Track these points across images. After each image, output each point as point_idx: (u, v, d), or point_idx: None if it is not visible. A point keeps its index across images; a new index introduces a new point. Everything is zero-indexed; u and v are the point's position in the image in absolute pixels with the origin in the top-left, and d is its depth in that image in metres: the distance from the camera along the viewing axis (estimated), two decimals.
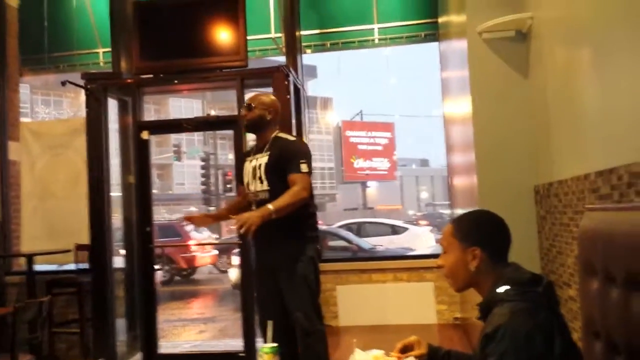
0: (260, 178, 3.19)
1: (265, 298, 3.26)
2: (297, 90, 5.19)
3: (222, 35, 4.98)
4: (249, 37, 5.01)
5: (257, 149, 3.31)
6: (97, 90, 4.90)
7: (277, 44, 5.97)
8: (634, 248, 1.42)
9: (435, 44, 5.93)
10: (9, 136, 5.89)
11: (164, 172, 34.61)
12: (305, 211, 3.18)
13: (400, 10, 5.95)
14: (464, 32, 3.92)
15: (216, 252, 14.80)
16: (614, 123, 2.24)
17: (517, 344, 1.37)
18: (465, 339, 4.68)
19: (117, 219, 5.41)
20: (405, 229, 15.09)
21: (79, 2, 6.23)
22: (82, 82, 4.93)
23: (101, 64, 6.33)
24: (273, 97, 3.45)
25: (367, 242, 12.02)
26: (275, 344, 1.91)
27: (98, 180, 4.85)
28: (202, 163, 22.04)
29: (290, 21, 5.66)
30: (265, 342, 1.99)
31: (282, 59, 5.68)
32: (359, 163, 25.92)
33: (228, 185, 20.50)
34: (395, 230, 14.86)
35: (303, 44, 5.90)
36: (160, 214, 30.22)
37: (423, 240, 14.47)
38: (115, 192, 5.24)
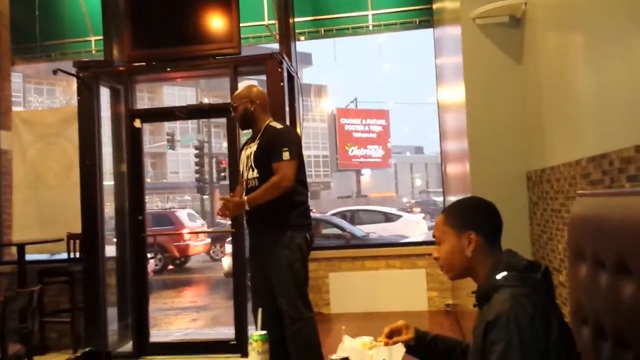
0: (251, 166, 3.28)
1: (258, 285, 3.31)
2: (290, 78, 5.16)
3: (215, 22, 4.94)
4: (242, 24, 4.96)
5: (251, 138, 3.42)
6: (89, 78, 4.86)
7: (270, 31, 5.92)
8: (624, 233, 1.41)
9: (430, 30, 5.90)
10: (0, 125, 5.84)
11: (158, 160, 34.51)
12: (290, 199, 3.19)
13: None
14: (458, 18, 3.90)
15: (209, 240, 14.80)
16: (606, 109, 2.23)
17: (521, 329, 1.37)
18: (456, 325, 4.70)
19: (109, 207, 5.39)
20: (399, 217, 15.13)
21: None
22: (74, 71, 4.88)
23: (93, 52, 6.27)
24: (253, 87, 3.50)
25: (360, 230, 12.04)
26: (264, 332, 1.90)
27: (90, 169, 4.82)
28: (196, 151, 21.94)
29: (284, 8, 5.62)
30: (256, 329, 1.98)
31: (275, 46, 5.64)
32: (353, 151, 25.91)
33: (222, 174, 20.45)
34: (388, 217, 14.89)
35: (297, 31, 5.86)
36: (154, 203, 30.18)
37: (416, 227, 14.51)
38: (108, 181, 5.21)
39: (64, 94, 26.10)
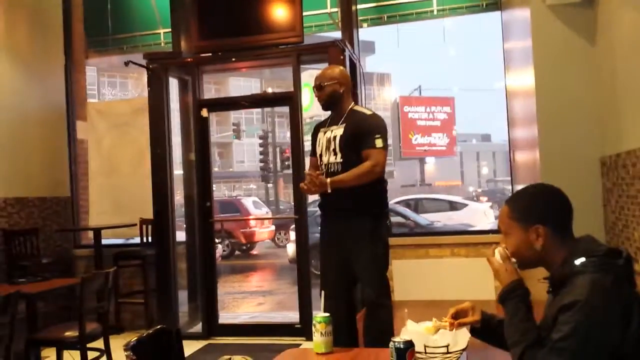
0: (334, 150, 3.14)
1: (328, 269, 3.21)
2: (353, 66, 5.14)
3: (279, 11, 4.99)
4: (305, 13, 4.99)
5: (332, 121, 3.25)
6: (158, 69, 5.03)
7: (333, 19, 5.91)
8: None
9: (497, 13, 5.71)
10: (76, 116, 6.14)
11: (225, 150, 35.30)
12: (380, 186, 3.15)
13: None
14: (527, 1, 3.77)
15: (274, 227, 15.05)
16: None
17: (593, 318, 1.33)
18: None
19: (179, 195, 5.58)
20: (465, 205, 14.81)
21: None
22: (144, 62, 5.06)
23: (162, 44, 6.45)
24: (340, 68, 3.38)
25: (424, 219, 11.90)
26: (327, 314, 1.93)
27: (161, 158, 5.00)
28: (261, 141, 22.29)
29: None
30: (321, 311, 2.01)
31: (338, 34, 5.63)
32: (417, 139, 25.56)
33: (286, 163, 20.68)
34: (453, 206, 14.61)
35: (359, 18, 5.81)
36: (221, 191, 30.95)
37: (483, 217, 14.17)
38: (178, 170, 5.39)
39: (136, 86, 27.08)
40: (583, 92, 3.50)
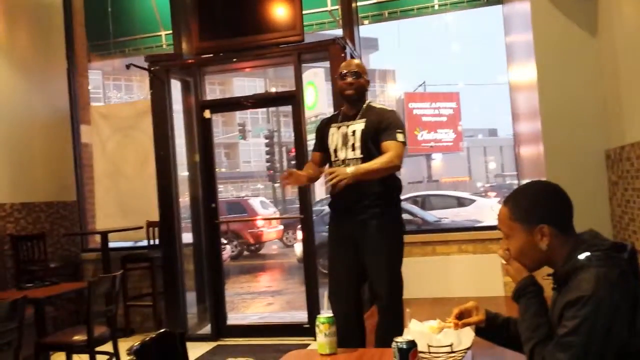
0: (352, 145, 3.05)
1: (339, 269, 3.13)
2: None
3: (279, 11, 4.99)
4: (305, 11, 4.98)
5: (346, 116, 3.16)
6: (160, 72, 5.04)
7: (333, 17, 5.90)
8: None
9: (499, 7, 5.68)
10: (80, 120, 6.17)
11: (231, 150, 35.36)
12: (398, 183, 3.12)
13: None
14: None
15: (282, 227, 15.06)
16: None
17: (599, 312, 1.31)
18: None
19: (185, 196, 5.58)
20: (472, 201, 14.75)
21: None
22: (146, 65, 5.07)
23: (164, 46, 6.46)
24: None
25: (432, 215, 11.87)
26: (331, 314, 1.92)
27: (165, 160, 5.01)
28: (266, 141, 22.31)
29: None
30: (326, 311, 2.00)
31: (339, 32, 5.61)
32: (422, 135, 25.48)
33: (292, 162, 20.69)
34: (461, 202, 14.55)
35: (360, 14, 5.80)
36: (229, 192, 31.01)
37: (491, 212, 14.11)
38: (183, 171, 5.40)
39: (141, 89, 27.17)
40: (585, 84, 3.48)
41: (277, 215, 17.71)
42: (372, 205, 2.88)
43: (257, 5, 5.00)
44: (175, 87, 5.28)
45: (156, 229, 5.42)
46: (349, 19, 5.53)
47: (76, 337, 3.55)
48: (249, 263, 13.10)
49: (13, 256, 5.10)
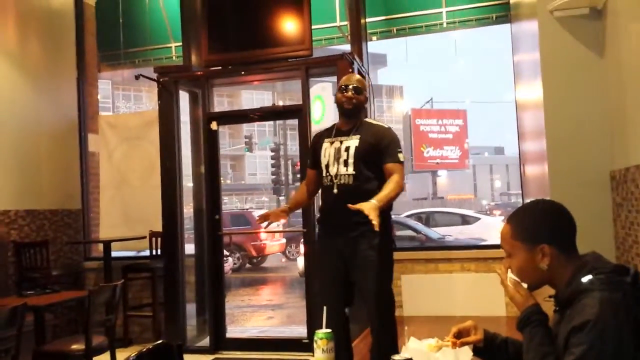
0: (345, 161, 3.02)
1: (329, 284, 3.12)
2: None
3: (288, 25, 5.02)
4: (314, 26, 5.01)
5: (340, 132, 3.13)
6: (168, 83, 5.07)
7: (342, 32, 5.94)
8: None
9: (507, 26, 5.70)
10: (88, 129, 6.20)
11: (237, 163, 35.47)
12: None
13: None
14: (535, 12, 3.76)
15: (284, 240, 15.03)
16: None
17: (606, 338, 1.30)
18: None
19: (189, 208, 5.59)
20: (477, 219, 14.71)
21: None
22: (154, 76, 5.11)
23: (174, 58, 6.52)
24: None
25: (436, 232, 11.83)
26: (329, 330, 1.91)
27: (170, 170, 5.02)
28: (272, 154, 22.36)
29: (356, 8, 5.61)
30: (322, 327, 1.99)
31: (348, 47, 5.65)
32: (429, 152, 25.48)
33: (297, 175, 20.72)
34: (465, 220, 14.51)
35: (369, 31, 5.83)
36: (234, 204, 31.03)
37: (495, 230, 14.05)
38: (188, 182, 5.41)
39: (150, 100, 27.34)
40: (591, 105, 3.47)
41: (280, 229, 17.70)
42: (363, 223, 2.77)
43: (267, 19, 5.04)
44: (184, 98, 5.32)
45: (159, 239, 5.42)
46: (358, 34, 5.56)
47: (74, 346, 3.55)
48: (250, 276, 13.07)
49: (15, 263, 5.11)
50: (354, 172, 2.99)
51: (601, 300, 1.35)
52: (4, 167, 5.13)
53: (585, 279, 1.42)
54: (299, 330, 5.41)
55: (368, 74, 5.41)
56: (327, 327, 1.94)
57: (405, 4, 5.93)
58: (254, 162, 35.12)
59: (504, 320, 4.92)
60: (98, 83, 6.76)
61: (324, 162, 3.11)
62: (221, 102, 29.49)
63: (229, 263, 11.71)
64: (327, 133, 3.22)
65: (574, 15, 3.54)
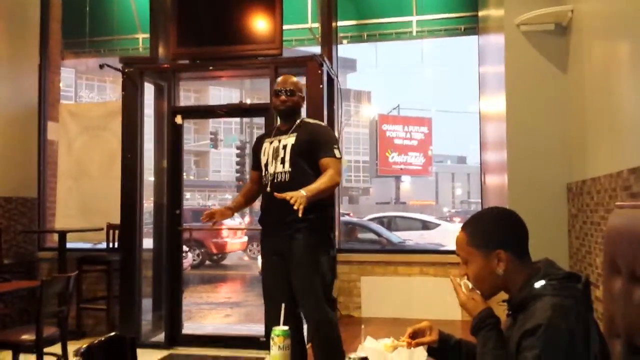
0: (282, 159, 3.09)
1: (272, 285, 3.14)
2: (330, 81, 5.17)
3: (259, 23, 5.00)
4: (285, 27, 5.00)
5: (279, 131, 3.21)
6: (133, 74, 4.98)
7: (313, 34, 5.95)
8: None
9: (475, 37, 5.81)
10: (48, 116, 6.04)
11: (201, 159, 35.10)
12: (331, 201, 3.15)
13: (440, 2, 5.86)
14: (502, 26, 3.84)
15: (246, 238, 14.93)
16: None
17: (558, 342, 1.32)
18: None
19: (149, 202, 5.51)
20: (437, 225, 14.92)
21: None
22: (120, 66, 5.02)
23: (140, 49, 6.41)
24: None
25: (397, 236, 11.94)
26: (286, 327, 1.91)
27: (131, 163, 4.94)
28: (238, 151, 22.22)
29: (327, 11, 5.63)
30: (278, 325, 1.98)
31: (318, 50, 5.66)
32: (393, 157, 25.75)
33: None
34: (426, 225, 14.71)
35: (340, 34, 5.86)
36: (196, 200, 30.68)
37: (454, 237, 14.25)
38: (149, 177, 5.32)
39: (114, 91, 26.82)
40: (553, 119, 3.57)
41: (243, 226, 17.58)
42: (300, 220, 2.81)
43: (238, 15, 5.01)
44: (149, 91, 5.23)
45: (117, 231, 5.32)
46: (329, 37, 5.59)
47: (24, 337, 3.45)
48: (210, 273, 12.93)
49: None
50: (290, 170, 3.05)
51: (553, 305, 1.38)
52: None
53: (538, 284, 1.45)
54: (257, 329, 5.39)
55: (337, 77, 5.43)
56: (283, 324, 1.94)
57: (377, 10, 5.98)
58: (219, 159, 34.81)
59: (459, 324, 5.00)
60: (61, 71, 6.58)
61: (263, 161, 3.19)
62: (187, 97, 29.16)
63: (189, 259, 11.55)
64: (268, 134, 3.31)
65: (540, 30, 3.64)
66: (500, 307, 1.63)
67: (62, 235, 5.15)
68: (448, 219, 22.95)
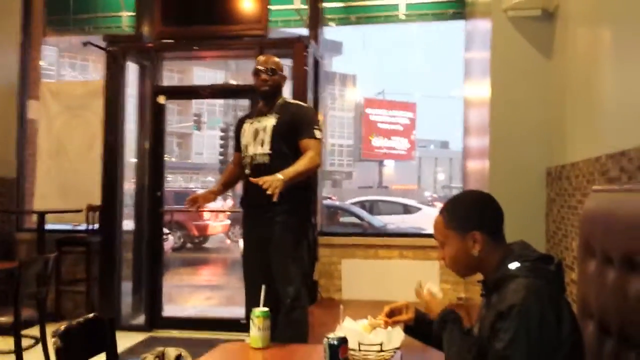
0: (262, 140, 3.05)
1: (254, 269, 3.13)
2: (316, 63, 5.15)
3: (245, 3, 4.96)
4: (272, 7, 4.97)
5: (259, 112, 3.17)
6: (117, 52, 4.92)
7: (300, 15, 5.89)
8: (633, 230, 1.39)
9: (462, 22, 5.80)
10: (29, 95, 5.93)
11: (184, 141, 34.77)
12: (310, 181, 3.14)
13: None
14: (489, 11, 3.84)
15: (228, 222, 14.89)
16: (629, 106, 2.18)
17: (530, 323, 1.35)
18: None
19: (131, 183, 5.46)
20: (418, 209, 15.03)
21: None
22: (103, 45, 4.94)
23: (124, 28, 6.30)
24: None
25: (379, 220, 12.01)
26: (266, 309, 1.92)
27: (113, 143, 4.89)
28: (222, 134, 22.06)
29: None
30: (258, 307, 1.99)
31: (304, 31, 5.62)
32: (377, 141, 25.80)
33: None
34: (408, 209, 14.81)
35: (327, 16, 5.82)
36: (178, 182, 30.47)
37: None
38: (131, 158, 5.27)
39: (96, 71, 26.38)
40: (535, 105, 3.59)
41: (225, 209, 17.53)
42: (279, 203, 2.78)
43: None
44: (132, 70, 5.16)
45: (97, 213, 5.26)
46: (316, 19, 5.54)
47: (2, 319, 3.41)
48: (191, 256, 12.91)
49: None
50: (270, 151, 3.02)
51: (526, 286, 1.41)
52: None
53: (512, 265, 1.49)
54: (237, 311, 5.38)
55: (322, 59, 5.40)
56: (265, 306, 1.94)
57: None
58: (202, 141, 34.51)
59: None
60: (42, 48, 6.45)
61: (243, 142, 3.16)
62: (171, 77, 28.78)
63: (170, 241, 11.52)
64: (249, 115, 3.28)
65: (527, 16, 3.64)
66: (474, 288, 1.66)
67: (41, 216, 5.09)
68: (430, 203, 23.12)
